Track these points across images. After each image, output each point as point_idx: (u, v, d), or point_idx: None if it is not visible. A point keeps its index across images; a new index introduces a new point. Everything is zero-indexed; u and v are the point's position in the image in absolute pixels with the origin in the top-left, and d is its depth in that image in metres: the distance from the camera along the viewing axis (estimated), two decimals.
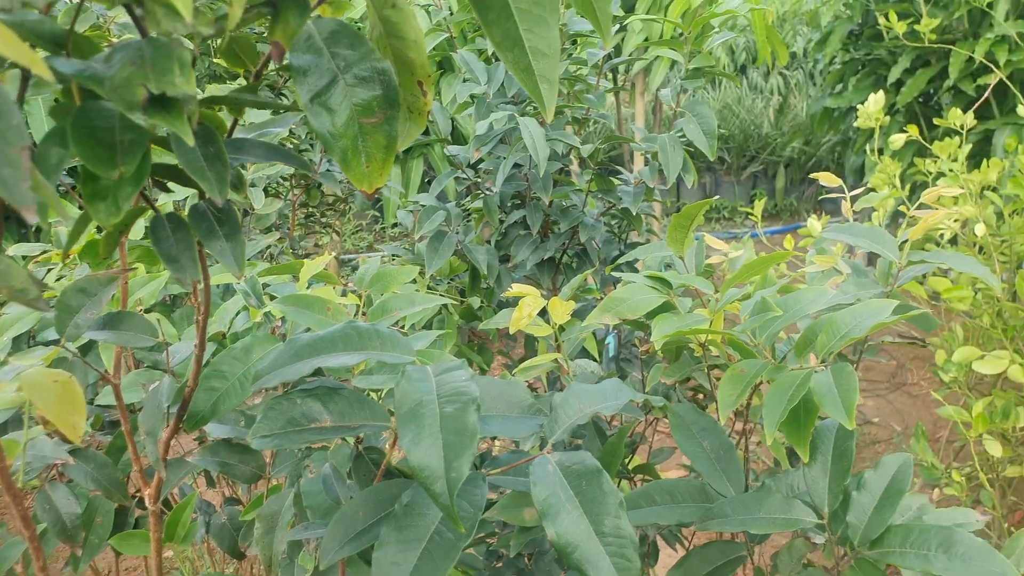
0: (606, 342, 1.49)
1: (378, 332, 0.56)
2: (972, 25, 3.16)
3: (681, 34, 1.22)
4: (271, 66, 0.50)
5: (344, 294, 0.97)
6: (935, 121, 2.10)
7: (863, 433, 2.64)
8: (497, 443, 1.36)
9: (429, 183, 3.19)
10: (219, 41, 0.52)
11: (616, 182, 1.28)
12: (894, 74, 3.26)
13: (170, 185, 0.55)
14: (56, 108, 0.43)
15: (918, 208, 0.98)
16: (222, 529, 0.97)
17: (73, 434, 0.57)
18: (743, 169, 5.04)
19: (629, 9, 3.36)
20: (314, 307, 0.73)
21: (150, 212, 0.52)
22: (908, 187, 2.19)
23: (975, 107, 2.53)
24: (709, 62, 1.17)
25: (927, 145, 2.10)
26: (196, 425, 0.65)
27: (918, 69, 3.27)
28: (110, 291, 0.61)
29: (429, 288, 1.40)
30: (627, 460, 1.09)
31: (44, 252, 1.21)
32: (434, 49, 2.35)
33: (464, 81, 1.24)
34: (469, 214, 1.49)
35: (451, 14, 1.53)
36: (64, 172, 0.42)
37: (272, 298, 0.99)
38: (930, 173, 2.09)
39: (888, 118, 2.08)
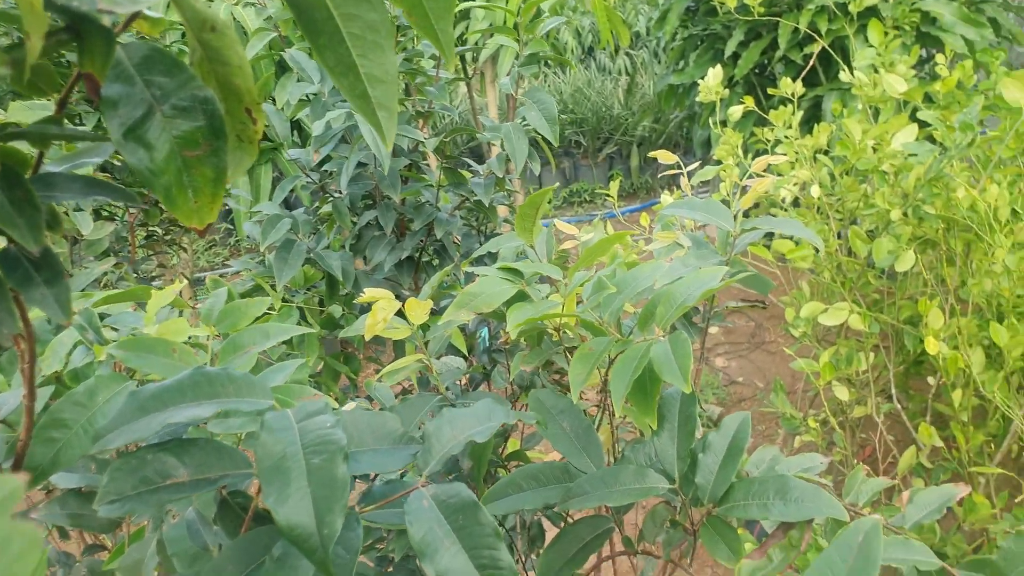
0: (479, 335, 1.49)
1: (230, 377, 0.52)
2: None
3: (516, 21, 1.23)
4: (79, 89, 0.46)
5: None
6: (770, 91, 2.22)
7: (730, 393, 2.79)
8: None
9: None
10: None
11: (467, 175, 1.27)
12: (730, 48, 3.42)
13: None
14: None
15: (748, 178, 1.03)
16: None
17: None
18: (599, 151, 5.18)
19: None
20: (158, 350, 0.68)
21: None
22: (750, 156, 2.32)
23: (803, 75, 2.71)
24: (543, 47, 1.18)
25: (764, 115, 2.22)
26: (37, 481, 0.59)
27: (751, 42, 3.45)
28: None
29: (284, 300, 1.35)
30: (500, 449, 1.09)
31: None
32: (270, 47, 2.27)
33: (298, 81, 1.20)
34: (322, 221, 1.45)
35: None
36: None
37: (115, 330, 0.92)
38: (768, 141, 2.22)
39: (728, 91, 2.19)
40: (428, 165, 1.46)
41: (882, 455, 2.19)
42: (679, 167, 1.06)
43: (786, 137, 2.23)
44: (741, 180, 0.99)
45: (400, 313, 0.91)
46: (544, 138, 1.20)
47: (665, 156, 1.01)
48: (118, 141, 0.41)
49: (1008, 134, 1.66)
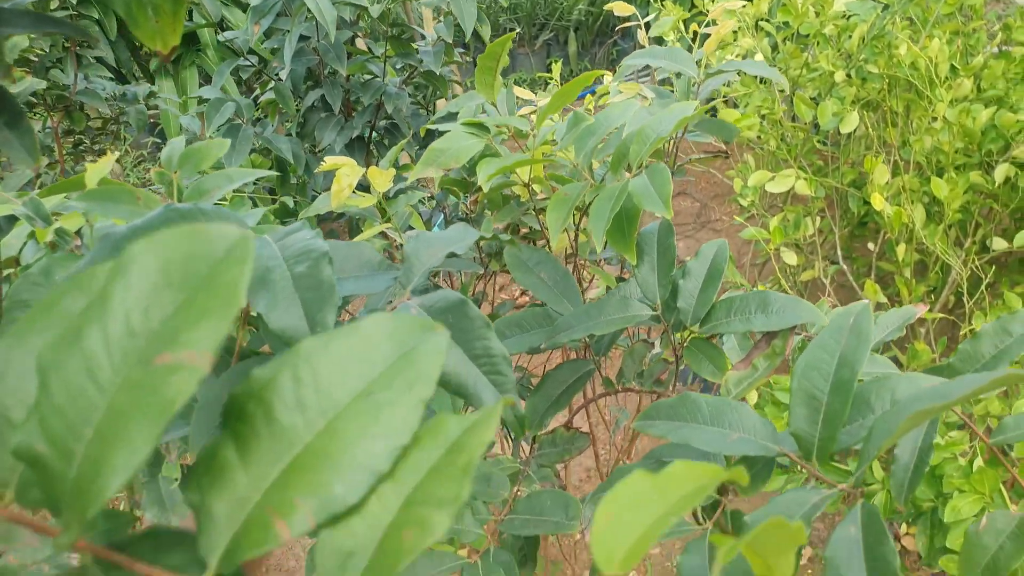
0: (434, 224, 1.47)
1: (203, 211, 0.50)
2: None
3: None
4: None
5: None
6: None
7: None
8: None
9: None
10: None
11: (413, 46, 1.23)
12: None
13: None
14: None
15: (707, 26, 1.02)
16: None
17: None
18: (535, 39, 5.05)
19: None
20: (121, 198, 0.65)
21: None
22: (691, 30, 2.28)
23: None
24: None
25: None
26: None
27: None
28: None
29: (235, 191, 1.30)
30: None
31: None
32: None
33: None
34: (264, 114, 1.38)
35: None
36: None
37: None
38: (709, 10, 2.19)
39: None
40: (370, 40, 1.39)
41: None
42: (636, 19, 1.03)
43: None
44: (699, 28, 0.97)
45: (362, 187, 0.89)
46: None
47: (622, 8, 0.99)
48: None
49: None
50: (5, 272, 0.85)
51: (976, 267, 1.75)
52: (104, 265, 0.22)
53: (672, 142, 0.99)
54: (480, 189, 0.95)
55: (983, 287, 1.70)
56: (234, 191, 1.33)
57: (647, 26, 1.06)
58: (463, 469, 0.24)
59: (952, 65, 1.80)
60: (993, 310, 1.58)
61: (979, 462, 1.22)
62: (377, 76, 1.23)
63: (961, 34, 1.86)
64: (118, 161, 2.12)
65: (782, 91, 2.22)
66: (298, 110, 1.29)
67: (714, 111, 2.02)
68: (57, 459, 0.22)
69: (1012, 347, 0.56)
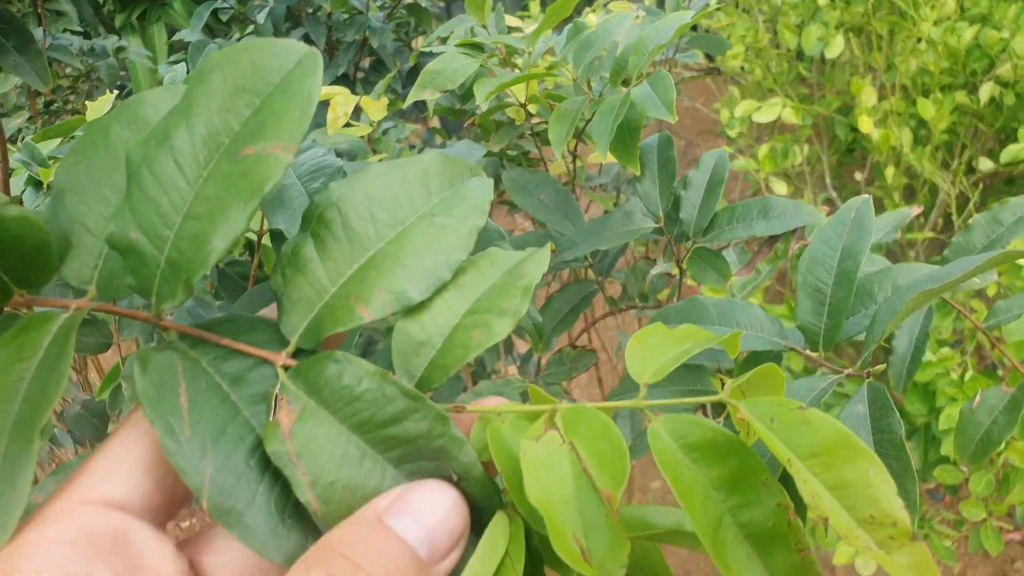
0: None
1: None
2: None
3: None
4: None
5: None
6: None
7: None
8: None
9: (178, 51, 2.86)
10: None
11: None
12: None
13: None
14: None
15: None
16: (79, 419, 0.89)
17: None
18: None
19: None
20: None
21: None
22: None
23: None
24: None
25: None
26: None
27: None
28: None
29: None
30: None
31: None
32: None
33: None
34: None
35: None
36: None
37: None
38: None
39: None
40: None
41: None
42: None
43: None
44: None
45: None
46: None
47: None
48: None
49: None
50: None
51: (964, 188, 1.77)
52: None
53: (666, 62, 0.98)
54: (472, 116, 0.95)
55: (970, 207, 1.71)
56: None
57: None
58: (523, 289, 0.28)
59: None
60: None
61: (971, 374, 1.25)
62: (360, 11, 1.21)
63: None
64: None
65: (767, 20, 2.20)
66: None
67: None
68: (150, 244, 0.24)
69: (1004, 235, 0.57)
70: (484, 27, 0.87)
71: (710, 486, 0.23)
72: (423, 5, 1.17)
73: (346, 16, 1.25)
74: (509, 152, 0.95)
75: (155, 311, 0.25)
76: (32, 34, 0.43)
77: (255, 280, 0.55)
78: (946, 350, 1.31)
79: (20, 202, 0.87)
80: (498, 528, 0.24)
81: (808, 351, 0.51)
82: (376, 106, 0.87)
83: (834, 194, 1.99)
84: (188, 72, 1.22)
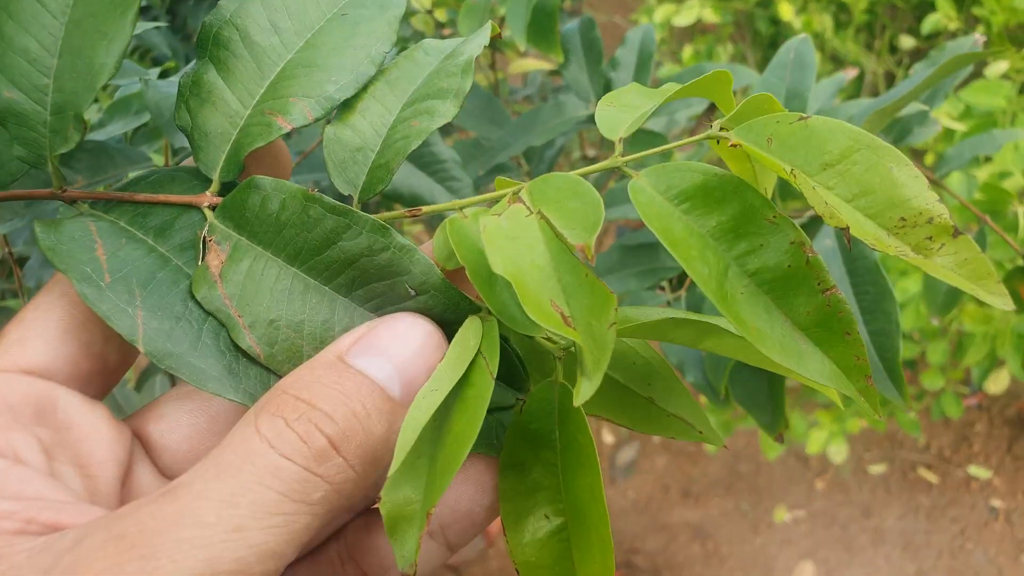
0: None
1: None
2: None
3: None
4: None
5: None
6: None
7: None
8: None
9: None
10: None
11: None
12: None
13: None
14: None
15: None
16: None
17: None
18: None
19: None
20: None
21: None
22: None
23: None
24: None
25: None
26: None
27: None
28: None
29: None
30: None
31: None
32: None
33: None
34: None
35: None
36: None
37: None
38: None
39: None
40: None
41: None
42: None
43: None
44: None
45: None
46: None
47: None
48: None
49: None
50: None
51: (889, 66, 1.77)
52: None
53: None
54: None
55: (896, 83, 1.72)
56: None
57: None
58: (463, 67, 0.25)
59: None
60: None
61: None
62: None
63: None
64: None
65: None
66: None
67: None
68: (28, 100, 0.22)
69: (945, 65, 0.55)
70: None
71: (709, 237, 0.21)
72: None
73: None
74: None
75: (56, 182, 0.23)
76: None
77: None
78: None
79: None
80: (469, 330, 0.22)
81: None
82: None
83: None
84: None
